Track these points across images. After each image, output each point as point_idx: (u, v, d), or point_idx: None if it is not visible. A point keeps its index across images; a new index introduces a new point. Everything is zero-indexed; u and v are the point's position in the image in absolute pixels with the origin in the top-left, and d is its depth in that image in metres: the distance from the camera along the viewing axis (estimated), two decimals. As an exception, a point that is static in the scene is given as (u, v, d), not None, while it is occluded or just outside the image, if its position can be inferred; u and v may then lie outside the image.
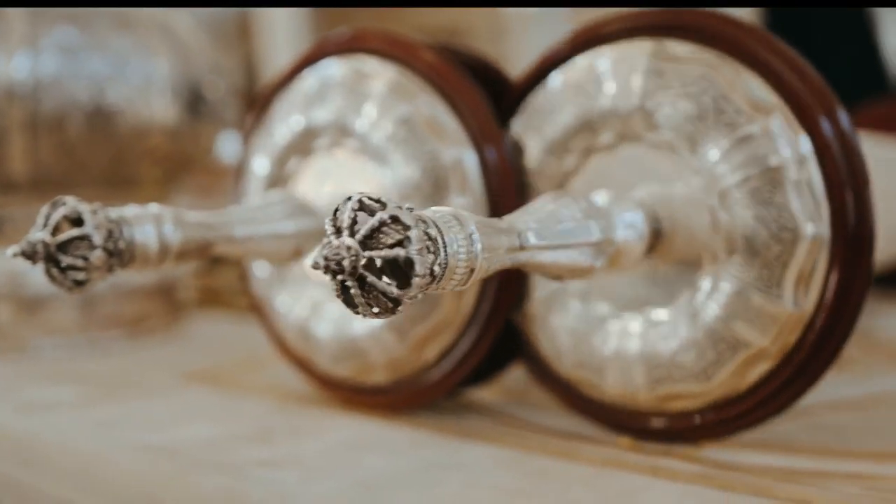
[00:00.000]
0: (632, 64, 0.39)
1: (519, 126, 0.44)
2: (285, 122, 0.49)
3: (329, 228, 0.27)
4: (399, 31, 0.47)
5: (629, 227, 0.37)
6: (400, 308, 0.27)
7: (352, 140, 0.46)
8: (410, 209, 0.27)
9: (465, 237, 0.28)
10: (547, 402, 0.48)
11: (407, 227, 0.26)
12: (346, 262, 0.26)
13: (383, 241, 0.26)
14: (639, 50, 0.40)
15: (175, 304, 0.72)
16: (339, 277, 0.27)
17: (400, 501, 0.37)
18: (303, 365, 0.51)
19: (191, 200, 0.78)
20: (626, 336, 0.41)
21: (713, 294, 0.38)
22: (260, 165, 0.50)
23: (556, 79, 0.42)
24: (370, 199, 0.27)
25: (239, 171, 0.52)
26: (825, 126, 0.37)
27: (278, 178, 0.49)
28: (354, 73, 0.46)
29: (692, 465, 0.39)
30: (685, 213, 0.39)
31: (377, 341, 0.46)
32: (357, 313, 0.27)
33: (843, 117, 0.37)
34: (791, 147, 0.37)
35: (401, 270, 0.27)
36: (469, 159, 0.44)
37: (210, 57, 0.70)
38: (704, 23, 0.39)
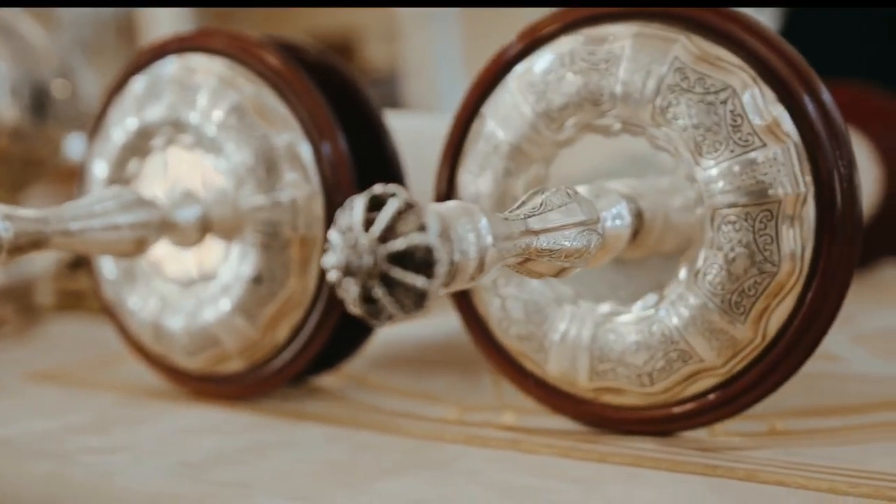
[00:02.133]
0: (657, 55, 0.37)
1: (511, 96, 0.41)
2: (121, 124, 0.50)
3: (338, 231, 0.26)
4: (286, 33, 0.49)
5: (616, 217, 0.36)
6: (427, 303, 0.25)
7: (186, 135, 0.48)
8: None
9: (474, 227, 0.27)
10: (385, 385, 0.51)
11: (422, 213, 0.25)
12: (366, 260, 0.25)
13: (401, 229, 0.25)
14: (670, 38, 0.38)
15: (31, 307, 0.72)
16: (360, 280, 0.25)
17: (221, 476, 0.38)
18: (159, 363, 0.52)
19: (43, 202, 0.77)
20: (579, 323, 0.41)
21: (678, 303, 0.38)
22: (99, 169, 0.51)
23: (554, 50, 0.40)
24: (378, 192, 0.25)
25: (80, 177, 0.53)
26: (833, 173, 0.36)
27: (118, 181, 0.50)
28: (185, 69, 0.48)
29: (505, 432, 0.42)
30: (672, 215, 0.38)
31: (229, 327, 0.47)
32: (380, 319, 0.26)
33: (851, 159, 0.36)
34: (793, 183, 0.36)
35: (422, 262, 0.25)
36: (305, 152, 0.46)
37: (60, 59, 0.71)
38: (740, 36, 0.37)
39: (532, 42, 0.41)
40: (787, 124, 0.36)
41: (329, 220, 0.45)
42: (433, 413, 0.46)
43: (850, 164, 0.36)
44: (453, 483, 0.36)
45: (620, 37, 0.38)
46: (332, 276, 0.25)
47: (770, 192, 0.36)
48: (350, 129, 0.46)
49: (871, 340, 0.58)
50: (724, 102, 0.36)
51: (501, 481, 0.36)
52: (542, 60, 0.40)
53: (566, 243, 0.31)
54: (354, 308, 0.26)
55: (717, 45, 0.37)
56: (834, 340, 0.58)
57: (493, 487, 0.36)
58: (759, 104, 0.36)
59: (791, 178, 0.36)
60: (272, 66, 0.46)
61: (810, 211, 0.36)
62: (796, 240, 0.36)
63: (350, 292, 0.25)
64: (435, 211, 0.26)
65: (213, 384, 0.50)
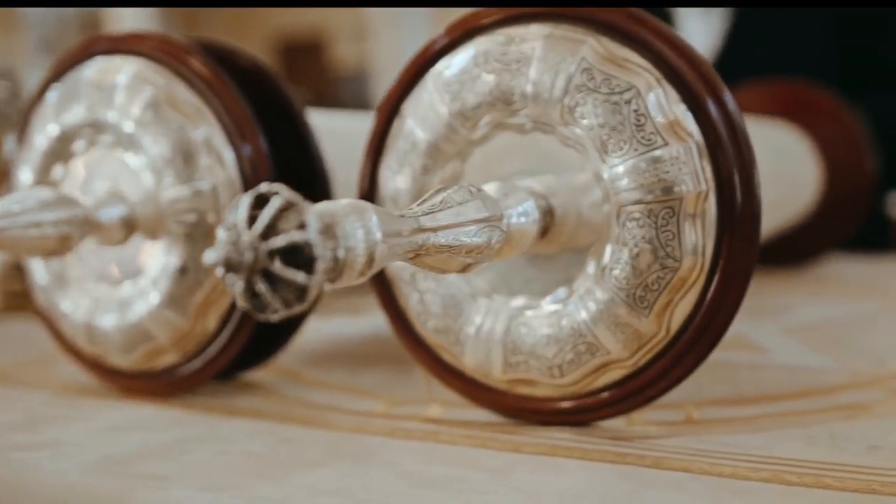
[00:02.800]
0: (566, 56, 0.38)
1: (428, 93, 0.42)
2: (42, 131, 0.51)
3: (224, 228, 0.27)
4: (255, 33, 0.50)
5: (521, 214, 0.36)
6: (308, 297, 0.26)
7: (106, 135, 0.48)
8: (305, 199, 0.27)
9: (363, 225, 0.28)
10: (317, 381, 0.52)
11: (303, 211, 0.26)
12: (247, 257, 0.26)
13: (282, 227, 0.26)
14: (578, 40, 0.38)
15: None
16: (243, 276, 0.26)
17: (142, 469, 0.39)
18: (95, 364, 0.52)
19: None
20: (493, 316, 0.41)
21: (586, 297, 0.39)
22: (25, 176, 0.52)
23: (469, 51, 0.41)
24: (263, 191, 0.27)
25: (8, 185, 0.54)
26: (733, 172, 0.37)
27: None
28: (103, 71, 0.48)
29: (428, 425, 0.43)
30: (584, 212, 0.39)
31: (160, 320, 0.48)
32: (266, 314, 0.27)
33: (751, 159, 0.37)
34: (695, 181, 0.36)
35: (303, 259, 0.26)
36: (227, 156, 0.46)
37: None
38: (645, 37, 0.38)
39: (451, 42, 0.42)
40: (690, 124, 0.37)
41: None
42: (360, 407, 0.46)
43: (751, 164, 0.37)
44: (370, 474, 0.37)
45: (532, 37, 0.39)
46: (217, 271, 0.26)
47: (672, 189, 0.36)
48: (274, 132, 0.47)
49: (802, 332, 0.59)
50: (628, 102, 0.37)
51: (417, 471, 0.37)
52: (458, 60, 0.41)
53: (465, 239, 0.32)
54: (240, 302, 0.27)
55: (624, 46, 0.38)
56: (764, 332, 0.59)
57: (407, 477, 0.36)
58: (663, 104, 0.37)
59: (693, 176, 0.36)
60: (197, 70, 0.47)
61: (711, 208, 0.37)
62: (698, 236, 0.37)
63: (235, 287, 0.26)
64: (317, 209, 0.27)
65: (146, 380, 0.50)
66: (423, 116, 0.42)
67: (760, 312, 0.65)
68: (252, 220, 0.26)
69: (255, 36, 8.09)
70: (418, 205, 0.32)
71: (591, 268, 0.39)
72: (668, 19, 1.13)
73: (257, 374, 0.53)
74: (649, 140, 0.37)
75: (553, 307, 0.40)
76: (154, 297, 0.47)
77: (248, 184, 0.46)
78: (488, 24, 0.41)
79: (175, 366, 0.50)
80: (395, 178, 0.43)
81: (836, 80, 0.87)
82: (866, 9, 1.06)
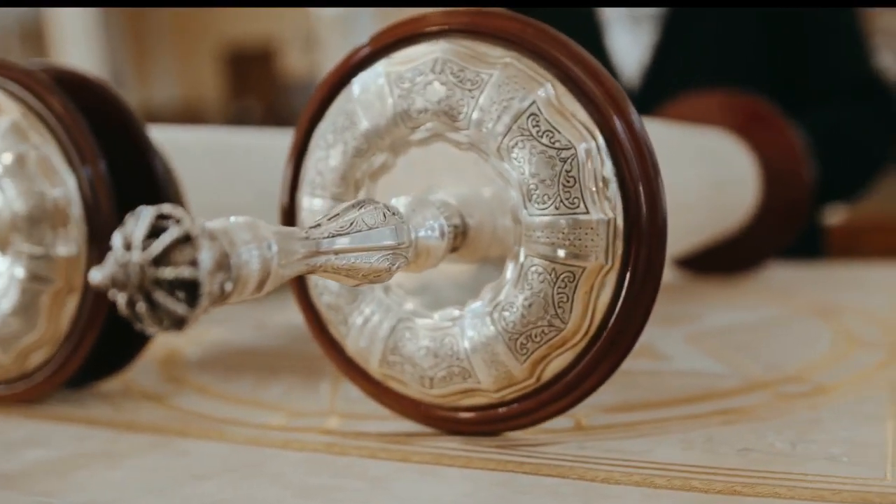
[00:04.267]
0: (519, 94, 0.38)
1: (325, 130, 0.43)
2: None
3: (118, 241, 0.27)
4: (205, 43, 0.51)
5: (429, 230, 0.37)
6: (186, 327, 0.27)
7: None
8: (203, 224, 0.27)
9: (259, 247, 0.28)
10: (221, 394, 0.52)
11: (198, 247, 0.26)
12: (133, 279, 0.26)
13: (174, 259, 0.26)
14: (532, 84, 0.38)
15: None
16: (126, 293, 0.26)
17: (33, 486, 0.39)
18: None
19: None
20: (384, 312, 0.42)
21: (474, 326, 0.40)
22: None
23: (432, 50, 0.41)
24: (164, 214, 0.27)
25: None
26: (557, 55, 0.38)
27: None
28: None
29: (324, 436, 0.43)
30: (496, 229, 0.39)
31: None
32: (143, 328, 0.27)
33: (635, 117, 0.37)
34: (605, 255, 0.37)
35: (188, 293, 0.27)
36: (70, 180, 0.48)
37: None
38: (506, 26, 0.39)
39: (411, 35, 0.41)
40: (616, 200, 0.37)
41: (91, 239, 0.47)
42: (259, 419, 0.47)
43: (661, 249, 0.37)
44: (256, 485, 0.38)
45: (493, 62, 0.39)
46: (103, 282, 0.27)
47: (579, 256, 0.37)
48: (117, 153, 0.48)
49: (705, 339, 0.61)
50: (563, 161, 0.37)
51: (301, 482, 0.38)
52: (417, 54, 0.41)
53: (364, 264, 0.33)
54: (122, 312, 0.27)
55: (576, 101, 0.38)
56: (669, 340, 0.60)
57: (291, 488, 0.37)
58: (597, 172, 0.37)
59: (603, 250, 0.37)
60: (41, 97, 0.48)
61: (609, 285, 0.37)
62: (589, 306, 0.38)
63: (117, 299, 0.27)
64: (214, 239, 0.27)
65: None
66: (368, 102, 0.41)
67: (671, 320, 0.66)
68: (147, 242, 0.26)
69: (203, 46, 8.04)
70: (328, 219, 0.33)
71: (486, 298, 0.40)
72: (598, 32, 1.15)
73: (163, 389, 0.54)
74: (573, 203, 0.37)
75: (441, 323, 0.41)
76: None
77: (87, 204, 0.47)
78: (456, 28, 0.40)
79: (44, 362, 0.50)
80: (329, 151, 0.43)
81: (766, 92, 0.89)
82: (796, 24, 1.08)
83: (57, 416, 0.49)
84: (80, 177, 0.47)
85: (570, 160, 0.37)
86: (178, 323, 0.27)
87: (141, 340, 0.52)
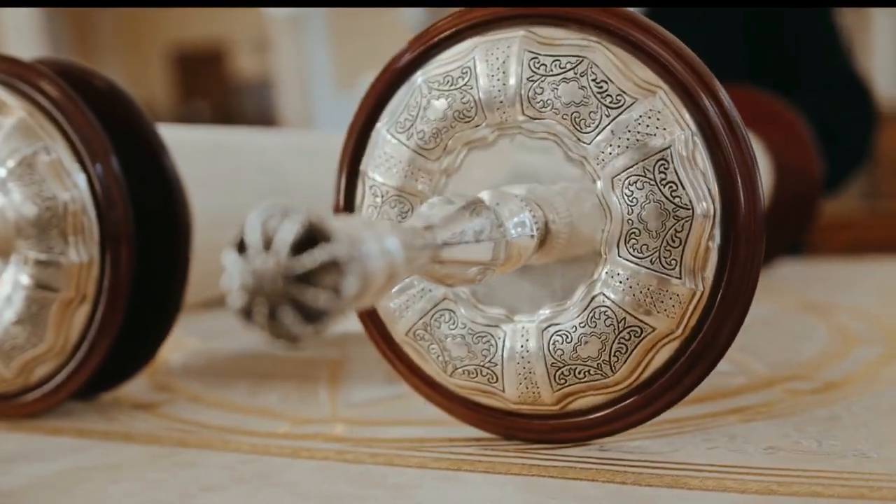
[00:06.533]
0: (506, 54, 0.37)
1: (383, 127, 0.41)
2: None
3: (256, 236, 0.23)
4: (155, 44, 0.49)
5: (519, 225, 0.34)
6: (335, 322, 0.24)
7: None
8: (352, 246, 0.24)
9: (379, 243, 0.25)
10: (217, 402, 0.50)
11: (344, 273, 0.23)
12: (266, 286, 0.23)
13: (319, 281, 0.23)
14: (511, 36, 0.38)
15: None
16: (250, 296, 0.23)
17: (35, 502, 0.37)
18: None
19: None
20: (523, 336, 0.39)
21: (610, 282, 0.37)
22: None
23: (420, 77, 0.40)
24: (313, 222, 0.23)
25: None
26: (710, 111, 0.36)
27: None
28: None
29: (333, 444, 0.42)
30: (574, 205, 0.37)
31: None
32: (289, 341, 0.24)
33: (725, 97, 0.36)
34: (679, 126, 0.35)
35: (317, 317, 0.23)
36: (79, 176, 0.45)
37: None
38: (662, 50, 0.36)
39: (560, 15, 0.38)
40: (711, 273, 0.36)
41: (104, 239, 0.45)
42: (263, 427, 0.45)
43: (728, 105, 0.36)
44: (272, 496, 0.36)
45: (641, 86, 0.36)
46: (236, 299, 0.24)
47: (656, 316, 0.36)
48: (127, 151, 0.46)
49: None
50: (678, 219, 0.35)
51: (319, 491, 0.36)
52: (560, 38, 0.37)
53: (459, 274, 0.31)
54: (262, 329, 0.24)
55: (552, 27, 0.37)
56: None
57: (309, 498, 0.36)
58: (702, 242, 0.35)
59: (678, 318, 0.36)
60: (47, 92, 0.46)
61: (668, 351, 0.37)
62: (641, 364, 0.37)
63: (256, 315, 0.24)
64: (340, 229, 0.24)
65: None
66: (491, 71, 0.38)
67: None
68: (267, 242, 0.23)
69: (152, 47, 7.93)
70: (419, 218, 0.30)
71: (542, 315, 0.38)
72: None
73: (154, 397, 0.52)
74: (669, 265, 0.35)
75: (486, 320, 0.39)
76: (9, 315, 0.46)
77: (99, 205, 0.45)
78: (423, 51, 0.40)
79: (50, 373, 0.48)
80: (432, 101, 0.39)
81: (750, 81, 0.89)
82: (776, 23, 1.09)
83: (46, 429, 0.47)
84: (90, 175, 0.45)
85: (684, 221, 0.35)
86: (292, 341, 0.24)
87: (147, 352, 0.50)
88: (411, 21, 1.41)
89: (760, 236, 0.36)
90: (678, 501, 0.33)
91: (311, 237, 0.23)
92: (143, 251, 0.47)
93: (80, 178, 0.45)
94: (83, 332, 0.46)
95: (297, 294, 0.23)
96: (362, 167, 0.41)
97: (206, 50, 7.81)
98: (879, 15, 3.41)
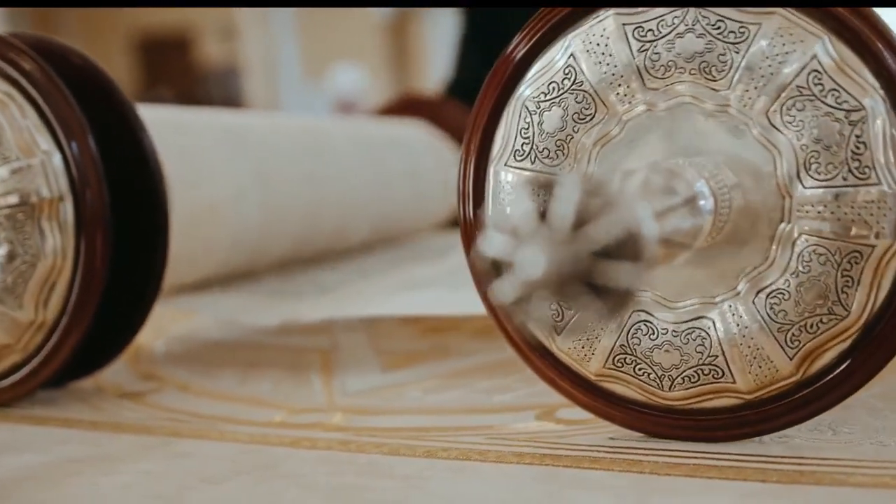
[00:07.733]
0: (797, 47, 0.33)
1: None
2: None
3: (563, 213, 0.21)
4: (120, 31, 0.47)
5: (703, 198, 0.31)
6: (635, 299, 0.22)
7: None
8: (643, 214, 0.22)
9: (647, 211, 0.23)
10: (207, 391, 0.49)
11: (617, 200, 0.21)
12: (567, 263, 0.21)
13: (622, 253, 0.21)
14: (809, 37, 0.33)
15: None
16: (558, 288, 0.21)
17: (26, 494, 0.35)
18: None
19: None
20: (734, 317, 0.35)
21: (805, 219, 0.33)
22: None
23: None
24: (592, 189, 0.21)
25: None
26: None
27: None
28: None
29: (335, 433, 0.41)
30: (743, 182, 0.34)
31: None
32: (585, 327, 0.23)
33: None
34: (893, 231, 0.32)
35: (627, 256, 0.21)
36: (56, 158, 0.44)
37: None
38: None
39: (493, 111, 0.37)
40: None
41: (79, 218, 0.44)
42: (258, 416, 0.44)
43: None
44: (277, 488, 0.35)
45: (755, 13, 0.33)
46: (517, 289, 0.21)
47: (868, 232, 0.32)
48: (104, 129, 0.45)
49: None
50: (852, 124, 0.32)
51: (326, 482, 0.35)
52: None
53: (684, 224, 0.29)
54: (540, 322, 0.21)
55: (857, 56, 0.33)
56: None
57: (317, 489, 0.34)
58: (886, 137, 0.32)
59: (893, 226, 0.32)
60: (23, 69, 0.44)
61: (893, 267, 0.33)
62: (872, 291, 0.33)
63: (544, 304, 0.21)
64: (628, 195, 0.22)
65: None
66: (594, 53, 0.35)
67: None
68: (542, 215, 0.21)
69: (115, 34, 7.82)
70: (668, 209, 0.28)
71: (743, 287, 0.35)
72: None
73: (141, 386, 0.50)
74: (863, 174, 0.32)
75: (684, 315, 0.36)
76: None
77: (73, 182, 0.43)
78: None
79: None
80: (540, 115, 0.37)
81: None
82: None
83: (30, 418, 0.46)
84: (65, 154, 0.43)
85: (860, 123, 0.32)
86: (630, 295, 0.21)
87: (121, 341, 0.48)
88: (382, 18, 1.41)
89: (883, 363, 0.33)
90: (697, 491, 0.32)
91: (600, 210, 0.21)
92: (119, 232, 0.45)
93: (55, 156, 0.43)
94: (57, 317, 0.45)
95: (595, 272, 0.21)
96: (570, 35, 0.37)
97: (172, 36, 7.71)
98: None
